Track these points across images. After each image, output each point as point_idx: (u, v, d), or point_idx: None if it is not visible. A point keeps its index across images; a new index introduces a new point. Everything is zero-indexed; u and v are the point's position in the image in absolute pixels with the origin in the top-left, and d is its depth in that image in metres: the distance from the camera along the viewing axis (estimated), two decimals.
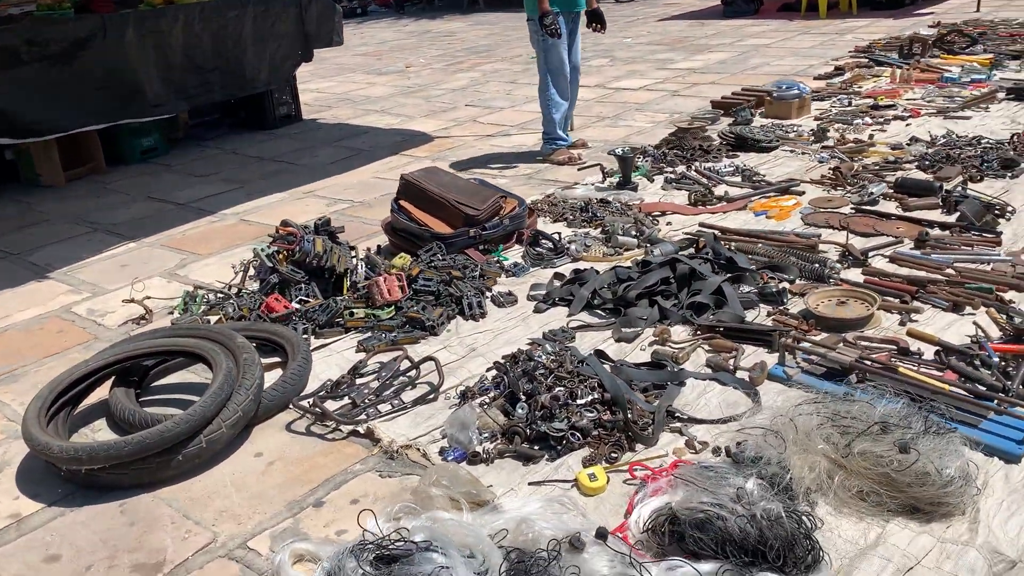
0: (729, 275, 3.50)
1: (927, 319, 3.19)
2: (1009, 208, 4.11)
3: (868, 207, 4.37)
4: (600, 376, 2.78)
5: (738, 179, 5.03)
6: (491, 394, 2.92)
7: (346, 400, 3.02)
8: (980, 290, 3.32)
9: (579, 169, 5.52)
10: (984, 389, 2.63)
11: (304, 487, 2.62)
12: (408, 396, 3.02)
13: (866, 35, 9.91)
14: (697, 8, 13.76)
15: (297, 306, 3.61)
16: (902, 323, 3.18)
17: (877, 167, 4.93)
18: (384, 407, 2.96)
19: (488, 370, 3.12)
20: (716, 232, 4.10)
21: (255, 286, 3.90)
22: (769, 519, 2.02)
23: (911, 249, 3.81)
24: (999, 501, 2.22)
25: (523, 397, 2.76)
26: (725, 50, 9.86)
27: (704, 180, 4.99)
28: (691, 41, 10.75)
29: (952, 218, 4.10)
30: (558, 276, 3.83)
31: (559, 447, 2.58)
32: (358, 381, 3.14)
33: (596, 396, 2.71)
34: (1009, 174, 4.64)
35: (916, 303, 3.30)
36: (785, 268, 3.64)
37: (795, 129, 5.99)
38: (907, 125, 5.90)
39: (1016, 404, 2.53)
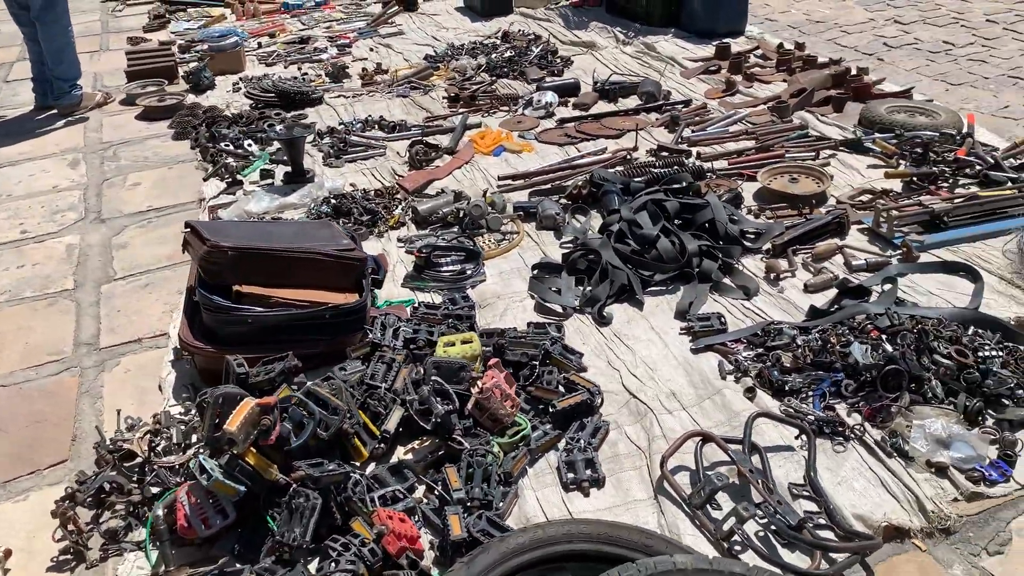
0: (691, 193, 3.17)
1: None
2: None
3: (544, 116, 4.26)
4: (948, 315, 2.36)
5: (379, 132, 4.18)
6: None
7: None
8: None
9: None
10: None
11: None
12: None
13: None
14: None
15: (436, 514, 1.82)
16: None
17: (471, 80, 4.73)
18: None
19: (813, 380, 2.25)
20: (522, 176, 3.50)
21: None
22: None
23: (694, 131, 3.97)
24: None
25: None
26: None
27: (374, 141, 4.00)
28: None
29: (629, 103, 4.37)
30: (537, 276, 2.79)
31: None
32: None
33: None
34: None
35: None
36: (678, 178, 3.43)
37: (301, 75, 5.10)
38: (372, 50, 5.67)
39: None
